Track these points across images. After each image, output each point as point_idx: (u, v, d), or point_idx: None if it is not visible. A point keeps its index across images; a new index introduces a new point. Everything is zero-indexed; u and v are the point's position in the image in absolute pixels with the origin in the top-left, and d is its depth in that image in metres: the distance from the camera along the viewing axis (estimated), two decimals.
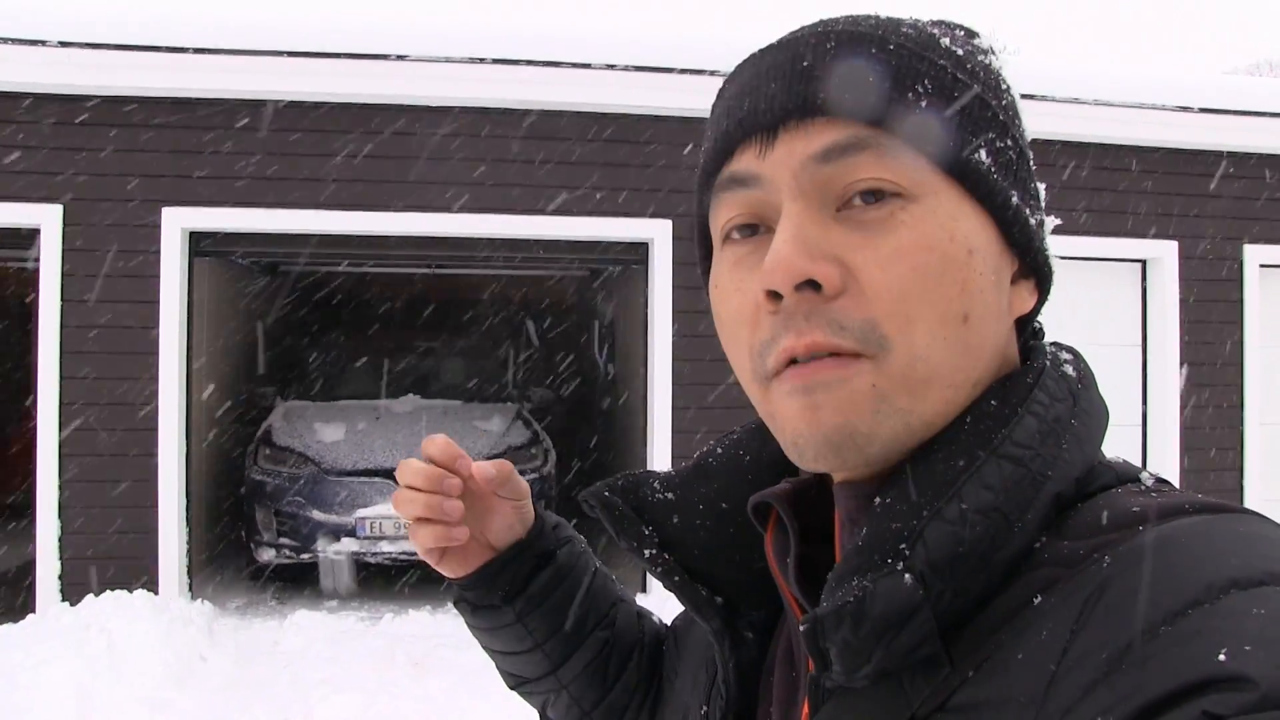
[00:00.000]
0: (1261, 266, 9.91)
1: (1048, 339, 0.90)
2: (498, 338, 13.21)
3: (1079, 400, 0.81)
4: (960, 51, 0.83)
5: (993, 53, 0.86)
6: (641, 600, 7.28)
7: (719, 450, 1.02)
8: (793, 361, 0.79)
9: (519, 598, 1.22)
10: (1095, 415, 0.82)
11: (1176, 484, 0.81)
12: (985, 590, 0.74)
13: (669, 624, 1.28)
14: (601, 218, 8.75)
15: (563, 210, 8.67)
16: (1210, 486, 9.47)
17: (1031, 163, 0.86)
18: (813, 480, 0.93)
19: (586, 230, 8.80)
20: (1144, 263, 9.83)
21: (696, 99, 8.58)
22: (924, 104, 0.79)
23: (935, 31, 0.84)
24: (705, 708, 1.01)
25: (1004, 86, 0.85)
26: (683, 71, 8.54)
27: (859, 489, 0.83)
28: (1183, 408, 9.66)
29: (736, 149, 0.83)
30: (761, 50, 0.85)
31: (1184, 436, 9.67)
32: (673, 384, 8.78)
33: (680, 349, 8.78)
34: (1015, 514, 0.74)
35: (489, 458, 9.05)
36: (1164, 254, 9.67)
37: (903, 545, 0.73)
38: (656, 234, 8.81)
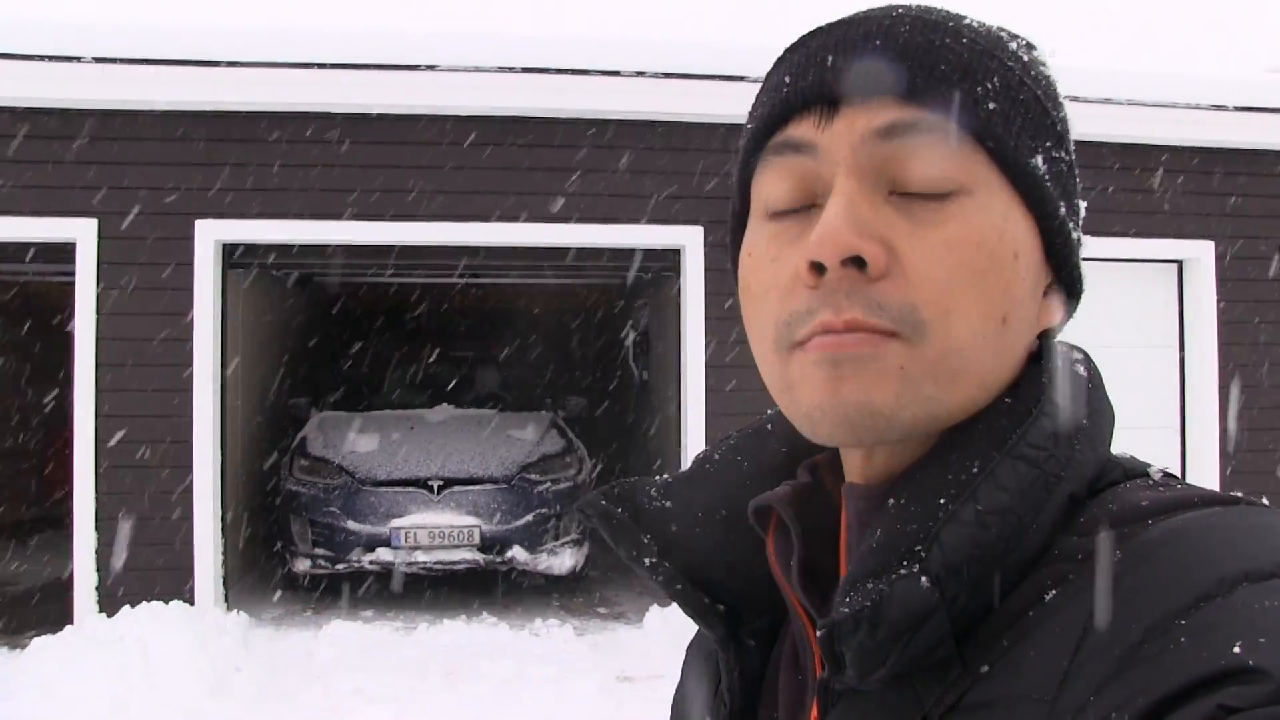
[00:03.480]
0: None
1: (1059, 339, 0.88)
2: (532, 346, 13.21)
3: (1090, 400, 0.81)
4: (1025, 58, 0.83)
5: (1048, 67, 0.86)
6: (675, 608, 7.18)
7: (716, 456, 0.99)
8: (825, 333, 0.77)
9: None
10: (1105, 415, 0.82)
11: (1213, 482, 0.80)
12: (1000, 589, 0.73)
13: None
14: (633, 225, 8.73)
15: (594, 218, 8.66)
16: (1250, 488, 9.35)
17: (1078, 179, 0.85)
18: (811, 484, 0.91)
19: (618, 238, 8.80)
20: (1180, 263, 9.73)
21: (728, 105, 8.56)
22: (991, 100, 0.78)
23: (1002, 35, 0.83)
24: (708, 718, 1.00)
25: (1060, 99, 0.84)
26: (714, 78, 8.51)
27: (870, 490, 0.82)
28: (1222, 410, 9.55)
29: (794, 116, 0.82)
30: (830, 24, 0.84)
31: (1223, 439, 9.56)
32: (706, 390, 8.76)
33: (713, 355, 8.76)
34: (1029, 515, 0.73)
35: (523, 466, 9.17)
36: (1200, 254, 9.57)
37: (918, 548, 0.72)
38: (688, 241, 8.79)
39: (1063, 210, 0.81)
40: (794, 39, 0.86)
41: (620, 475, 12.14)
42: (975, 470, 0.74)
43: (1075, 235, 0.83)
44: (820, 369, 0.77)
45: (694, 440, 8.74)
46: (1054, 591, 0.70)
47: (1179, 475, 0.80)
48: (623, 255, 9.14)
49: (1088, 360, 0.85)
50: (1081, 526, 0.74)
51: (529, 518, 9.28)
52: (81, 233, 8.09)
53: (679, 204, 8.75)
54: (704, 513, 0.96)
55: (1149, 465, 0.80)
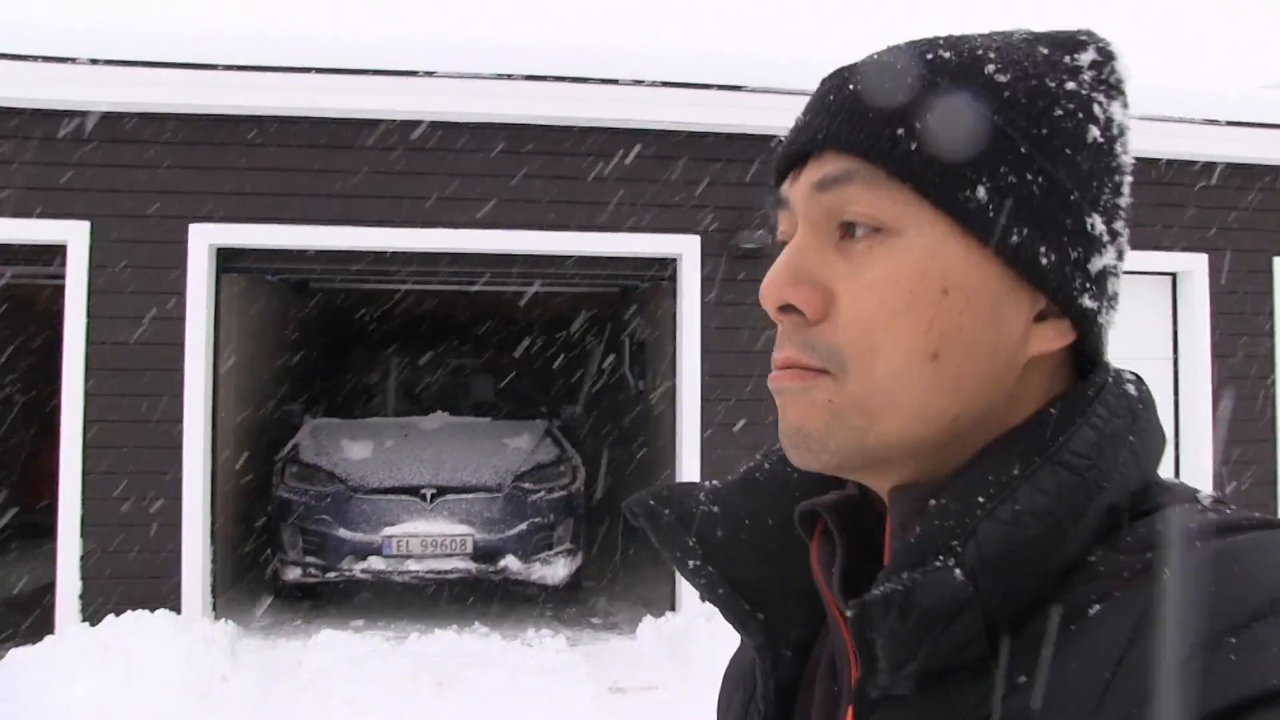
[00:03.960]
0: None
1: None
2: (527, 354, 13.18)
3: (1138, 419, 0.81)
4: (1003, 79, 0.82)
5: (1083, 71, 0.84)
6: (669, 619, 7.18)
7: (767, 465, 1.01)
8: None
9: None
10: (1153, 435, 0.82)
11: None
12: (1036, 597, 0.74)
13: None
14: (630, 234, 8.71)
15: (591, 226, 8.64)
16: (1243, 499, 9.34)
17: (1080, 199, 0.82)
18: (858, 494, 0.93)
19: (614, 246, 8.77)
20: (1174, 276, 9.77)
21: (727, 114, 8.56)
22: (917, 138, 0.80)
23: (988, 56, 0.83)
24: None
25: (1056, 115, 0.81)
26: (711, 87, 8.50)
27: (914, 493, 0.84)
28: (1215, 421, 9.56)
29: (786, 174, 0.89)
30: (821, 79, 0.89)
31: (1216, 450, 9.56)
32: (701, 399, 8.73)
33: (708, 364, 8.73)
34: (1068, 520, 0.74)
35: (517, 475, 9.15)
36: (1194, 267, 9.62)
37: (954, 542, 0.74)
38: (685, 249, 8.77)
39: (1016, 236, 0.79)
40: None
41: (614, 485, 12.11)
42: (1016, 473, 0.76)
43: (1055, 259, 0.80)
44: (777, 398, 0.86)
45: (689, 449, 8.71)
46: (1098, 606, 0.70)
47: (1227, 501, 0.79)
48: (620, 263, 9.11)
49: (1139, 382, 0.85)
50: (1128, 545, 0.74)
51: (522, 527, 9.25)
52: (73, 235, 8.03)
53: (676, 213, 8.73)
54: (751, 520, 0.98)
55: (1198, 490, 0.79)
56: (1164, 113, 9.20)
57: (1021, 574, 0.73)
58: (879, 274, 0.80)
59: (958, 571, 0.72)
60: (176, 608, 7.88)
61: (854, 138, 0.81)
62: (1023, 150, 0.80)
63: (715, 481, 1.00)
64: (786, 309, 0.84)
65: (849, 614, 0.75)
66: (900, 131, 0.80)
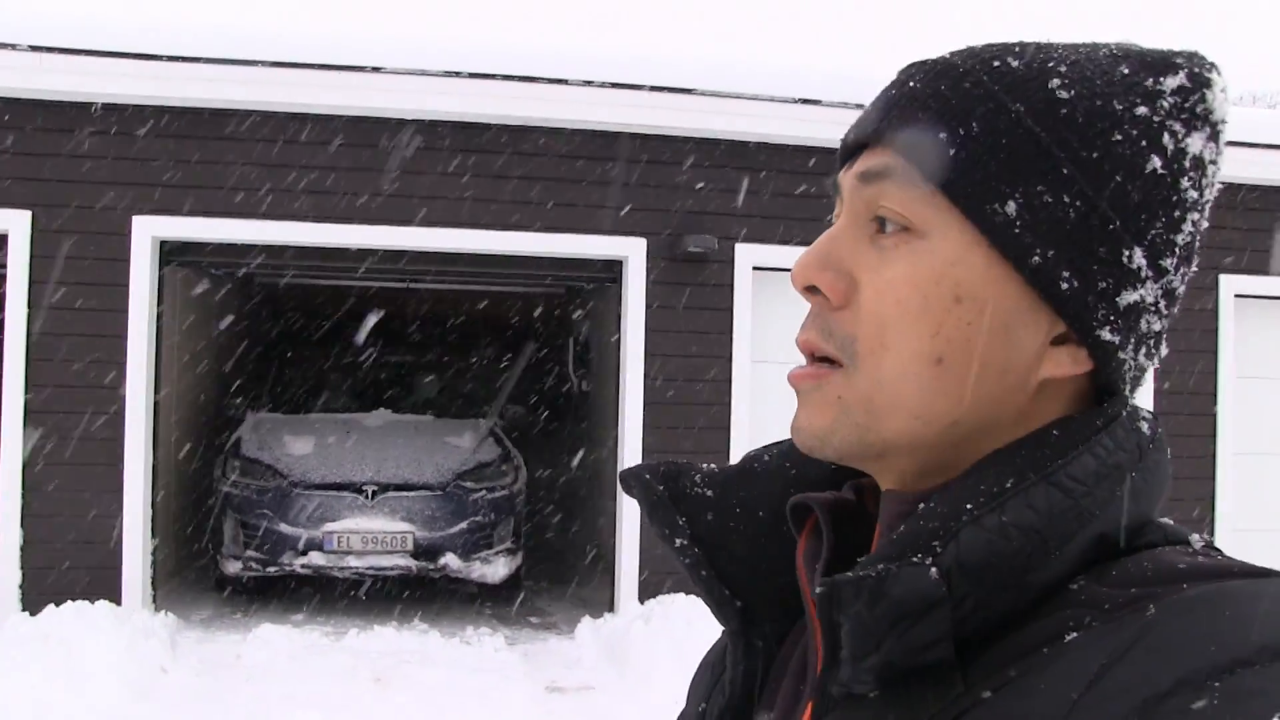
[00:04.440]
0: (1237, 296, 9.92)
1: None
2: (471, 353, 13.16)
3: (1145, 457, 0.80)
4: (1065, 95, 0.80)
5: (1163, 97, 0.81)
6: (608, 620, 7.17)
7: (766, 457, 1.02)
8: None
9: None
10: (1158, 476, 0.81)
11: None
12: (1010, 613, 0.74)
13: None
14: (576, 234, 8.73)
15: (537, 226, 8.64)
16: (1182, 517, 9.45)
17: (1120, 229, 0.79)
18: (855, 502, 0.94)
19: (560, 247, 8.78)
20: None
21: (676, 118, 8.59)
22: (956, 145, 0.80)
23: (1058, 70, 0.81)
24: (704, 705, 1.02)
25: (1114, 139, 0.79)
26: (662, 90, 8.52)
27: (906, 497, 0.85)
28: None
29: (845, 160, 0.90)
30: (897, 71, 0.90)
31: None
32: (644, 401, 8.76)
33: (652, 366, 8.76)
34: (1055, 541, 0.74)
35: (459, 474, 9.12)
36: None
37: (935, 543, 0.73)
38: (630, 251, 8.79)
39: (1040, 258, 0.78)
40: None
41: (556, 485, 12.13)
42: (1009, 486, 0.75)
43: (1070, 286, 0.79)
44: (796, 396, 0.87)
45: (631, 450, 8.73)
46: (1074, 634, 0.70)
47: (1219, 547, 0.80)
48: (565, 264, 9.13)
49: (1154, 422, 0.84)
50: (1114, 579, 0.73)
51: (463, 525, 9.25)
52: (14, 224, 7.95)
53: (623, 214, 8.75)
54: (742, 509, 0.99)
55: (1190, 534, 0.80)
56: None
57: (998, 585, 0.73)
58: (898, 273, 0.81)
59: (934, 570, 0.71)
60: (117, 599, 7.83)
61: (897, 135, 0.82)
62: (1065, 171, 0.78)
63: (713, 465, 1.02)
64: (812, 290, 0.85)
65: (818, 590, 0.75)
66: (942, 135, 0.80)
